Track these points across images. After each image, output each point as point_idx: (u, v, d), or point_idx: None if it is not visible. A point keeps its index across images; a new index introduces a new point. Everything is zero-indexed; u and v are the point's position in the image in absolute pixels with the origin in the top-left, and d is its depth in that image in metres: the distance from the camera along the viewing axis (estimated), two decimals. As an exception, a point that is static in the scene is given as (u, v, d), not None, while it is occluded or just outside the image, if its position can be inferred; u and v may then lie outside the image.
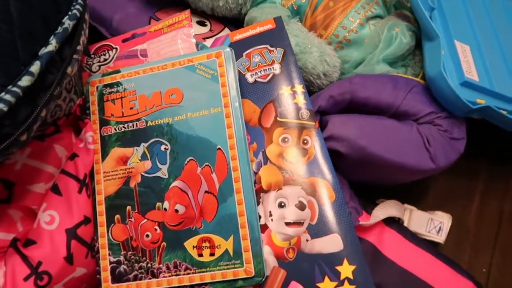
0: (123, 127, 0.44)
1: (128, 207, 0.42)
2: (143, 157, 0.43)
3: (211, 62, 0.44)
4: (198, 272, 0.40)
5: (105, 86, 0.46)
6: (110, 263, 0.41)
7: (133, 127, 0.44)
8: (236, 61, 0.45)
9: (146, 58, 0.49)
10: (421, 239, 0.46)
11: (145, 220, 0.42)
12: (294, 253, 0.40)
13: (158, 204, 0.42)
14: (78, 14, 0.39)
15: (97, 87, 0.46)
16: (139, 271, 0.41)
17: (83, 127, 0.44)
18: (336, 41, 0.50)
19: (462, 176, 0.54)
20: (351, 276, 0.39)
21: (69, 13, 0.38)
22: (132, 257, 0.41)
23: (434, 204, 0.53)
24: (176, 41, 0.49)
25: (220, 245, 0.40)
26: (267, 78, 0.45)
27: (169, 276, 0.40)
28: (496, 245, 0.52)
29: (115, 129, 0.45)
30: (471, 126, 0.47)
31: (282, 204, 0.41)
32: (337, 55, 0.50)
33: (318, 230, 0.40)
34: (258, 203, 0.42)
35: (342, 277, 0.39)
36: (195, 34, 0.50)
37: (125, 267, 0.41)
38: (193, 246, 0.40)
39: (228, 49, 0.44)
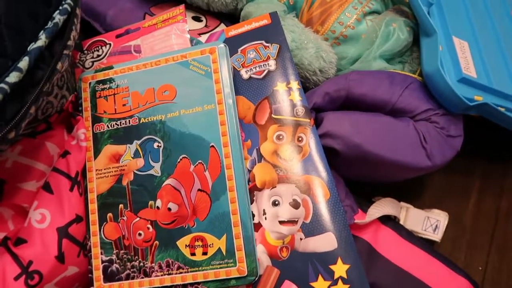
0: (116, 124, 0.44)
1: (121, 206, 0.42)
2: (136, 154, 0.43)
3: (205, 58, 0.43)
4: (191, 271, 0.39)
5: (98, 82, 0.45)
6: (102, 262, 0.41)
7: (126, 124, 0.44)
8: (231, 57, 0.45)
9: (140, 54, 0.48)
10: (416, 237, 0.46)
11: (138, 218, 0.41)
12: (288, 252, 0.40)
13: (151, 202, 0.41)
14: (69, 9, 0.38)
15: (90, 83, 0.46)
16: (132, 270, 0.40)
17: (75, 124, 0.44)
18: (332, 37, 0.50)
19: (458, 174, 0.54)
20: (345, 275, 0.38)
21: (60, 7, 0.38)
22: (125, 256, 0.41)
23: (430, 202, 0.53)
24: (170, 36, 0.48)
25: (213, 244, 0.39)
26: (262, 74, 0.45)
27: (162, 275, 0.40)
28: (492, 243, 0.52)
29: (107, 126, 0.44)
30: (468, 124, 0.46)
31: (276, 202, 0.41)
32: (334, 51, 0.49)
33: (312, 228, 0.40)
34: (252, 202, 0.41)
35: (336, 276, 0.38)
36: (190, 30, 0.50)
37: (117, 266, 0.41)
38: (186, 245, 0.40)
39: (222, 44, 0.43)
